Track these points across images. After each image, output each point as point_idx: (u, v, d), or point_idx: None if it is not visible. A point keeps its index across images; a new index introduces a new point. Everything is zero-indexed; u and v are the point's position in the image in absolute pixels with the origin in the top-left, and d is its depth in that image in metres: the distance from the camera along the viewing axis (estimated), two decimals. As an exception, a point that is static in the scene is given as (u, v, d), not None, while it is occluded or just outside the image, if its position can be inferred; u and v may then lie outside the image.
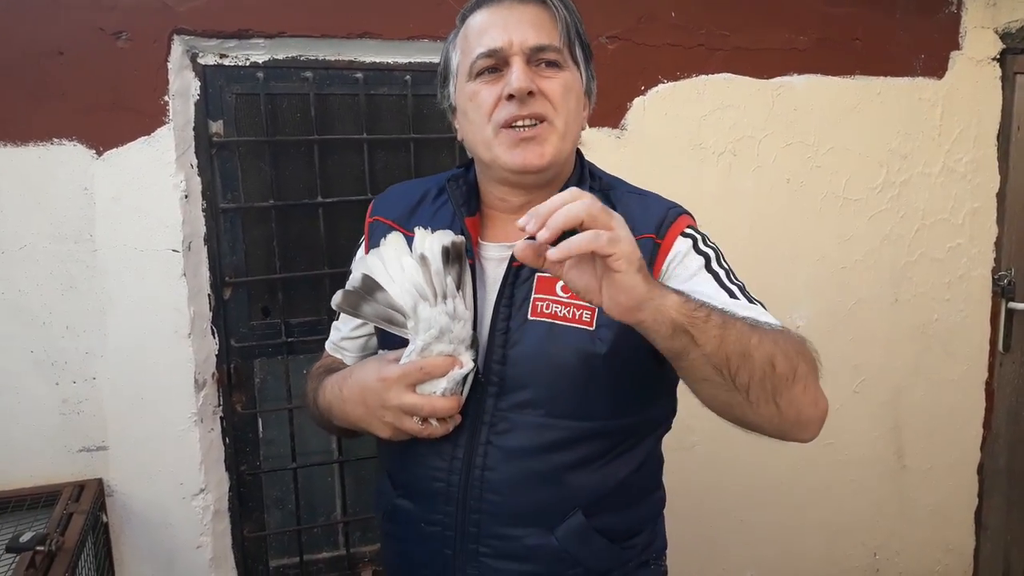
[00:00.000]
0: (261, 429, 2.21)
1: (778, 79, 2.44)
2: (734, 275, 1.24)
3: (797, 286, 2.56)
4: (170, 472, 2.03)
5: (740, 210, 2.45)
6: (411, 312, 1.18)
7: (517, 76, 1.18)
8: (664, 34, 2.31)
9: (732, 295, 1.18)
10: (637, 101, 2.31)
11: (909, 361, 2.73)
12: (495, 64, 1.22)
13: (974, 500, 2.92)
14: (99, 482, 1.96)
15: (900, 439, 2.77)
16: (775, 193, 2.49)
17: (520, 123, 1.20)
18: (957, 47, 2.60)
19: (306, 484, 2.26)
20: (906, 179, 2.61)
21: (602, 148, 2.24)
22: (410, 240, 1.25)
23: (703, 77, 2.37)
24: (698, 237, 1.26)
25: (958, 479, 2.88)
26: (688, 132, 2.37)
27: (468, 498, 1.25)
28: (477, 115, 1.24)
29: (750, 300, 1.19)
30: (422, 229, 1.25)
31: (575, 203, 0.93)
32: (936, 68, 2.59)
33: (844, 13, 2.47)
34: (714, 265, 1.23)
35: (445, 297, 1.18)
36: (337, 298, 1.22)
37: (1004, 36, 2.63)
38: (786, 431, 1.09)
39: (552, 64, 1.22)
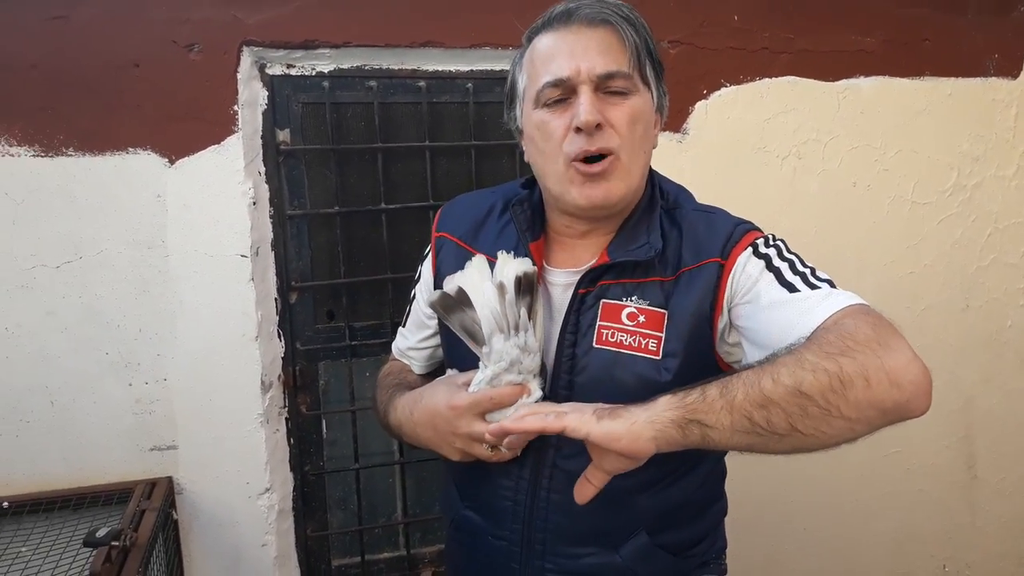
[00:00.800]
0: (325, 430, 2.25)
1: (844, 81, 2.40)
2: (800, 263, 1.19)
3: (864, 292, 2.42)
4: (237, 471, 2.08)
5: (805, 215, 2.42)
6: (487, 339, 1.18)
7: (586, 109, 1.15)
8: (726, 38, 2.29)
9: (792, 288, 1.13)
10: (699, 105, 2.30)
11: (981, 369, 2.66)
12: (562, 94, 1.19)
13: (1049, 512, 2.83)
14: (169, 480, 2.02)
15: (971, 448, 2.70)
16: (841, 197, 2.44)
17: (589, 158, 1.18)
18: (1033, 46, 2.52)
19: (368, 485, 2.29)
20: (978, 182, 2.55)
21: (664, 153, 2.23)
22: (492, 264, 1.24)
23: (766, 80, 2.34)
24: (759, 242, 1.23)
25: (1032, 491, 2.80)
26: (751, 136, 2.35)
27: (535, 518, 1.26)
28: (547, 145, 1.21)
29: (813, 286, 1.13)
30: (504, 254, 1.24)
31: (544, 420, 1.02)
32: (1010, 68, 2.52)
33: (913, 14, 2.42)
34: (775, 262, 1.19)
35: (518, 329, 1.17)
36: (435, 296, 1.23)
37: (1082, 34, 2.55)
38: (883, 423, 0.98)
39: (620, 92, 1.19)
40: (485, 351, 1.19)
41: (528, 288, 1.19)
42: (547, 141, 1.21)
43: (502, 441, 1.18)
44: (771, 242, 1.24)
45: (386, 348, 2.18)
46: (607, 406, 1.01)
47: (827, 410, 0.94)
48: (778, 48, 2.33)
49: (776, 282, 1.16)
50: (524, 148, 1.31)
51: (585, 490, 1.06)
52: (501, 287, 1.17)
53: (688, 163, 2.28)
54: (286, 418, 2.17)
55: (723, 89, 2.31)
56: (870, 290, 2.50)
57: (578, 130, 1.16)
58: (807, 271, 1.17)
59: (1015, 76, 2.53)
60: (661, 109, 1.30)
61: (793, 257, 1.20)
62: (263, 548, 2.13)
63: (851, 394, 0.94)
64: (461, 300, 1.20)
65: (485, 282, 1.20)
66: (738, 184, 2.33)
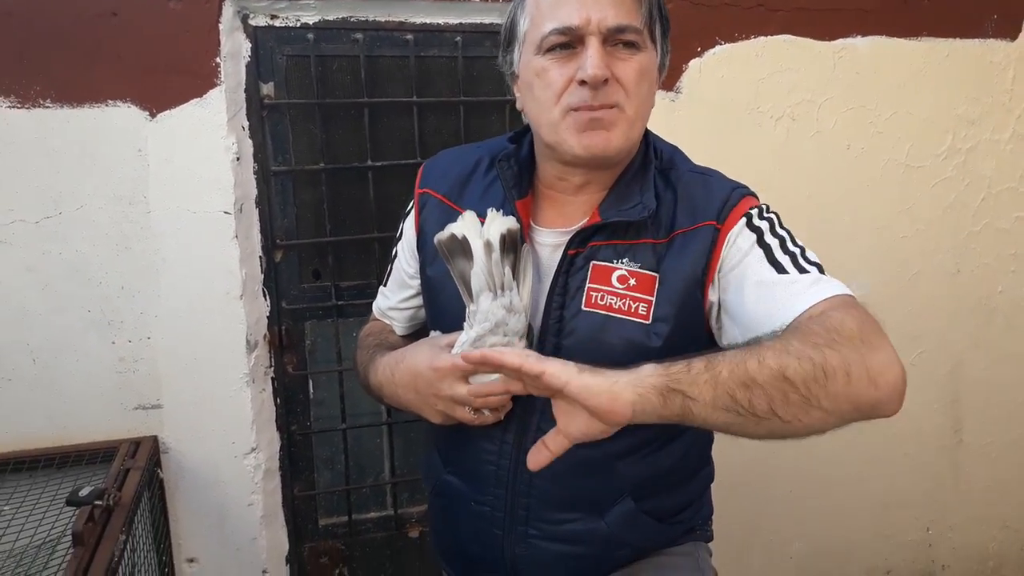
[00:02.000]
0: (311, 390, 2.23)
1: (840, 41, 2.36)
2: (791, 242, 1.17)
3: (856, 256, 2.49)
4: (223, 431, 2.07)
5: (798, 177, 2.39)
6: (475, 297, 1.16)
7: (594, 63, 1.10)
8: (723, -6, 2.25)
9: (781, 268, 1.12)
10: (693, 63, 2.25)
11: (970, 334, 2.65)
12: (568, 41, 1.13)
13: (1033, 477, 2.85)
14: (154, 439, 2.00)
15: (958, 413, 2.71)
16: (835, 160, 2.41)
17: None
18: (1032, 7, 2.48)
19: (355, 445, 2.29)
20: (973, 146, 2.52)
21: (656, 111, 2.12)
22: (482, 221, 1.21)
23: (762, 39, 2.29)
24: (754, 213, 1.20)
25: (1017, 455, 2.81)
26: (745, 96, 2.31)
27: (518, 483, 1.25)
28: (545, 94, 1.16)
29: (802, 269, 1.12)
30: (493, 212, 1.20)
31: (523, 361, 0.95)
32: (1009, 29, 2.48)
33: (913, -28, 2.37)
34: (767, 237, 1.17)
35: (503, 288, 1.15)
36: (443, 235, 1.19)
37: (1083, -5, 2.51)
38: (854, 419, 1.00)
39: (630, 45, 1.14)
40: (471, 309, 1.17)
41: (512, 246, 1.17)
42: (546, 90, 1.15)
43: (485, 405, 1.17)
44: (764, 213, 1.21)
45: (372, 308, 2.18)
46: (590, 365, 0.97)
47: (807, 399, 0.93)
48: (774, 5, 2.28)
49: (765, 259, 1.14)
50: (518, 94, 1.27)
51: (540, 456, 1.00)
52: (488, 245, 1.15)
53: (680, 122, 2.25)
54: (272, 378, 2.15)
55: (717, 47, 2.26)
56: (862, 254, 2.49)
57: (582, 83, 1.11)
58: (797, 251, 1.15)
59: (1013, 38, 2.49)
60: (662, 68, 1.25)
61: (784, 234, 1.18)
62: (249, 507, 2.13)
63: (831, 386, 0.94)
64: (465, 247, 1.17)
65: (475, 239, 1.17)
66: (731, 145, 2.29)
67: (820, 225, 2.43)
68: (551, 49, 1.14)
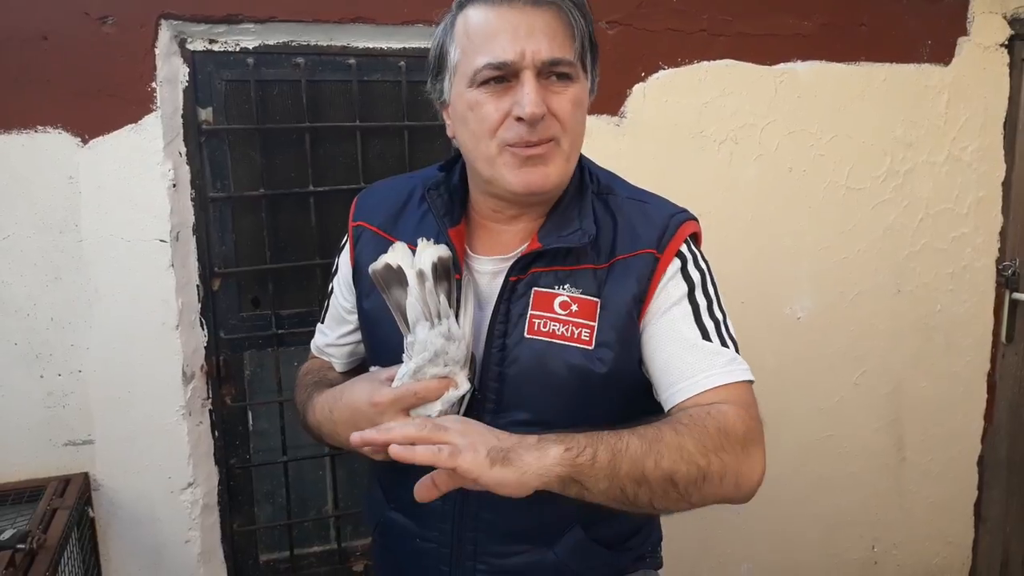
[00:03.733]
0: (251, 422, 2.18)
1: (781, 65, 2.39)
2: (717, 305, 1.20)
3: (798, 277, 2.52)
4: (158, 466, 2.00)
5: (741, 199, 2.41)
6: (412, 328, 1.14)
7: (531, 100, 1.08)
8: (665, 19, 2.26)
9: (705, 334, 1.16)
10: (637, 88, 2.26)
11: (911, 353, 2.70)
12: (502, 75, 1.11)
13: (974, 492, 2.90)
14: (85, 476, 1.93)
15: (900, 431, 2.74)
16: (777, 182, 2.44)
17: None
18: (964, 33, 2.54)
19: (297, 477, 2.24)
20: (911, 168, 2.57)
21: (601, 136, 2.19)
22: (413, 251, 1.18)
23: (705, 63, 2.31)
24: (689, 257, 1.21)
25: (958, 471, 2.86)
26: (689, 120, 2.32)
27: (464, 516, 1.22)
28: (480, 128, 1.13)
29: (723, 342, 1.17)
30: (423, 241, 1.18)
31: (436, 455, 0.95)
32: (943, 54, 2.54)
33: (850, -2, 2.42)
34: (698, 294, 1.19)
35: (440, 316, 1.13)
36: (378, 265, 1.16)
37: (1013, 22, 2.57)
38: (709, 504, 1.10)
39: (563, 76, 1.12)
40: (409, 340, 1.14)
41: (445, 274, 1.14)
42: (481, 124, 1.13)
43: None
44: (699, 261, 1.22)
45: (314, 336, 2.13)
46: (499, 444, 0.98)
47: (682, 496, 1.04)
48: (716, 30, 2.30)
49: (692, 318, 1.17)
50: (448, 122, 1.24)
51: (429, 492, 1.01)
52: (420, 274, 1.13)
53: (626, 147, 2.25)
54: (210, 410, 2.09)
55: (661, 72, 2.28)
56: (805, 276, 2.51)
57: (519, 119, 1.10)
58: (721, 318, 1.19)
59: (947, 63, 2.54)
60: (592, 91, 1.24)
61: (713, 295, 1.21)
62: (187, 544, 2.06)
63: (705, 488, 1.04)
64: (400, 277, 1.15)
65: (408, 269, 1.15)
66: (676, 169, 2.31)
67: (763, 247, 2.45)
68: (485, 83, 1.12)
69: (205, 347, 2.07)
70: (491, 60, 1.10)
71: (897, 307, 2.65)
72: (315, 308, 2.14)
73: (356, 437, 1.01)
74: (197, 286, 2.03)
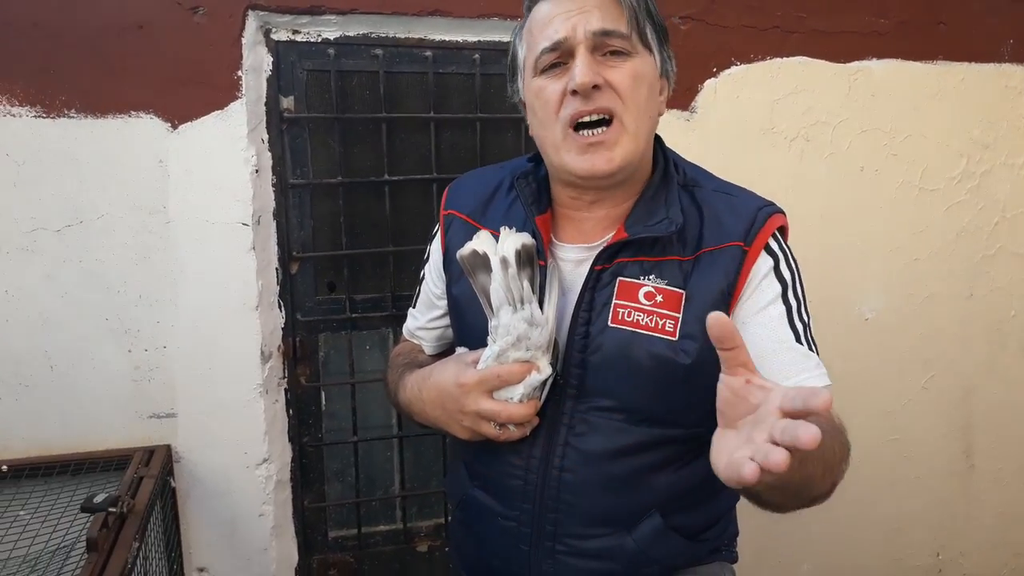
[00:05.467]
0: (324, 402, 2.24)
1: (856, 63, 2.37)
2: (804, 307, 1.21)
3: (868, 277, 2.50)
4: (235, 441, 2.08)
5: (811, 198, 2.39)
6: (496, 312, 1.17)
7: (581, 70, 1.12)
8: (738, 15, 2.26)
9: (797, 336, 1.17)
10: (708, 83, 2.27)
11: (983, 358, 2.65)
12: (560, 58, 1.16)
13: (1046, 503, 2.83)
14: (167, 448, 2.01)
15: (969, 438, 2.69)
16: (848, 181, 2.42)
17: (588, 127, 1.15)
18: (1048, 31, 2.49)
19: (366, 458, 2.29)
20: (987, 169, 2.52)
21: (671, 131, 2.20)
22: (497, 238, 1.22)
23: (777, 60, 2.31)
24: (780, 257, 1.22)
25: (1030, 481, 2.80)
26: (760, 116, 2.32)
27: (546, 497, 1.24)
28: (544, 112, 1.18)
29: (810, 345, 1.18)
30: (507, 229, 1.21)
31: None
32: (1025, 54, 2.50)
33: (928, -4, 2.39)
34: (790, 295, 1.20)
35: (523, 302, 1.16)
36: (465, 251, 1.20)
37: (1098, 21, 2.51)
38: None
39: (620, 53, 1.16)
40: (493, 324, 1.18)
41: (528, 260, 1.17)
42: (545, 107, 1.18)
43: (510, 420, 1.17)
44: (790, 260, 1.23)
45: (387, 321, 2.20)
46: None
47: (821, 495, 1.06)
48: (790, 27, 2.30)
49: (786, 320, 1.18)
50: (528, 121, 1.29)
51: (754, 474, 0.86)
52: (504, 261, 1.16)
53: (695, 142, 2.26)
54: (285, 389, 2.16)
55: (733, 67, 2.28)
56: (874, 275, 2.49)
57: (574, 93, 1.14)
58: (807, 320, 1.21)
59: (1029, 63, 2.50)
60: (667, 74, 1.26)
61: (801, 296, 1.22)
62: (260, 518, 2.13)
63: (822, 499, 1.07)
64: (485, 262, 1.19)
65: (493, 256, 1.18)
66: (745, 165, 2.30)
67: (833, 246, 2.44)
68: (546, 69, 1.17)
69: (282, 328, 2.14)
70: (547, 44, 1.16)
71: (969, 311, 2.60)
72: (387, 294, 2.20)
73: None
74: (276, 269, 2.10)
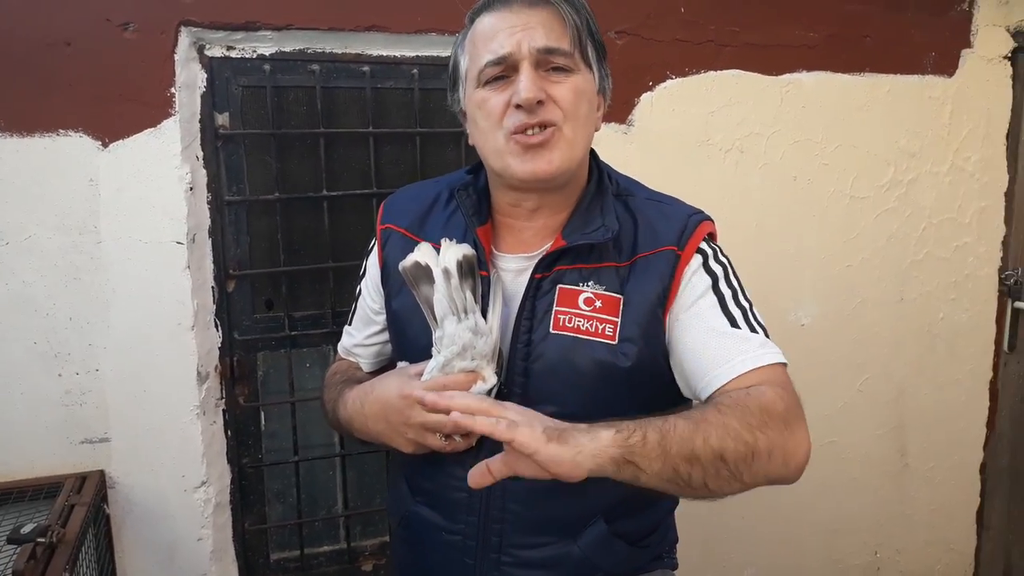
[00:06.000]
0: (263, 422, 2.20)
1: (787, 76, 2.42)
2: (742, 295, 1.24)
3: (802, 285, 2.55)
4: (172, 464, 2.03)
5: (746, 207, 2.44)
6: (440, 323, 1.18)
7: (525, 86, 1.15)
8: (673, 29, 2.29)
9: (733, 322, 1.19)
10: (645, 97, 2.30)
11: (914, 360, 2.72)
12: (504, 71, 1.18)
13: (976, 499, 2.92)
14: (101, 473, 1.95)
15: (903, 438, 2.77)
16: (782, 191, 2.47)
17: (530, 130, 1.17)
18: (968, 45, 2.58)
19: (308, 478, 2.26)
20: (914, 178, 2.60)
21: (609, 144, 2.23)
22: (438, 250, 1.24)
23: (712, 73, 2.35)
24: (710, 252, 1.26)
25: (961, 478, 2.88)
26: (696, 129, 2.36)
27: (491, 508, 1.25)
28: (487, 123, 1.20)
29: (752, 327, 1.20)
30: (447, 241, 1.23)
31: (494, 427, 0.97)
32: (947, 66, 2.58)
33: (856, 10, 2.45)
34: (722, 285, 1.23)
35: (467, 312, 1.17)
36: (407, 262, 1.22)
37: (1016, 34, 2.62)
38: (762, 485, 1.11)
39: (562, 69, 1.19)
40: (438, 335, 1.19)
41: (470, 271, 1.19)
42: (487, 118, 1.20)
43: (456, 430, 1.17)
44: (719, 256, 1.27)
45: (327, 338, 2.17)
46: (555, 425, 1.01)
47: (734, 475, 1.04)
48: (723, 41, 2.34)
49: (719, 308, 1.21)
50: (468, 130, 1.30)
51: (483, 479, 1.03)
52: (446, 272, 1.18)
53: (633, 155, 2.29)
54: (223, 410, 2.12)
55: (669, 81, 2.31)
56: (809, 283, 2.54)
57: (519, 107, 1.16)
58: (747, 306, 1.23)
59: (950, 74, 2.58)
60: (604, 91, 1.30)
61: (736, 285, 1.24)
62: (199, 542, 2.08)
63: (755, 466, 1.06)
64: (428, 273, 1.20)
65: (435, 267, 1.20)
66: (682, 177, 2.34)
67: (768, 254, 2.48)
68: (489, 81, 1.19)
69: (219, 348, 2.10)
70: (491, 57, 1.18)
71: (900, 315, 2.68)
72: (327, 310, 2.17)
73: (429, 396, 1.04)
74: (212, 288, 2.06)
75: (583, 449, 0.98)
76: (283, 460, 2.21)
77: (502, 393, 1.21)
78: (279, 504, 2.26)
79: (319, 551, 2.30)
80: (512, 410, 1.01)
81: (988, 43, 2.60)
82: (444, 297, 1.17)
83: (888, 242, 2.61)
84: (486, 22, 1.21)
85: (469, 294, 1.18)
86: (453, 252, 1.20)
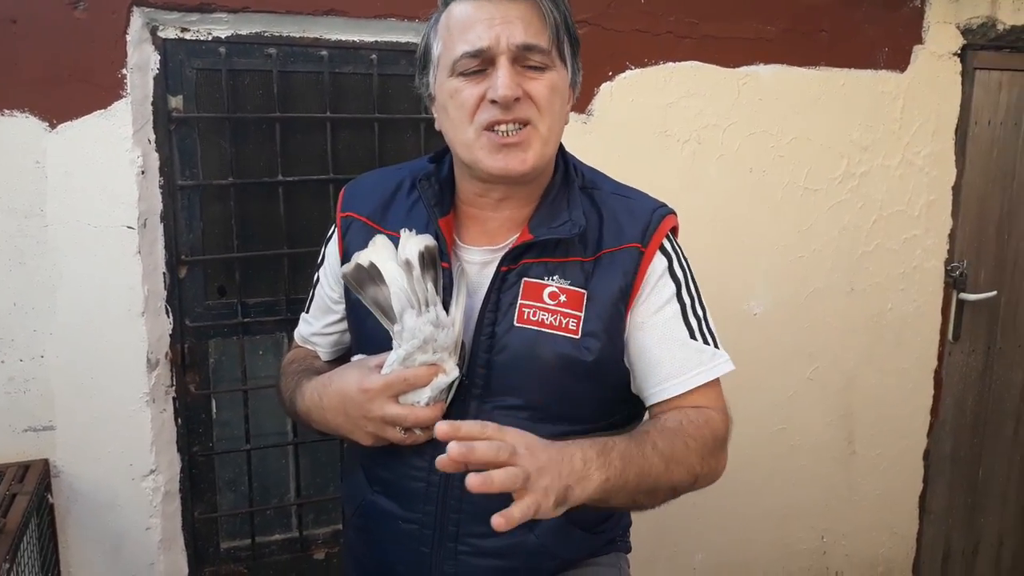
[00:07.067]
0: (215, 410, 2.17)
1: (744, 68, 2.44)
2: (699, 302, 1.29)
3: (756, 275, 2.58)
4: (120, 453, 1.99)
5: (703, 198, 2.46)
6: (399, 317, 1.17)
7: (503, 83, 1.14)
8: (633, 20, 2.29)
9: (691, 333, 1.26)
10: (604, 87, 2.29)
11: (862, 350, 2.77)
12: (480, 65, 1.16)
13: (919, 485, 2.99)
14: (45, 462, 1.91)
15: (851, 425, 2.82)
16: (738, 182, 2.49)
17: (503, 128, 1.16)
18: (920, 41, 2.62)
19: (260, 466, 2.23)
20: (866, 171, 2.64)
21: (569, 133, 2.14)
22: (395, 241, 1.23)
23: (670, 64, 2.35)
24: (673, 256, 1.29)
25: (905, 465, 2.95)
26: (654, 119, 2.36)
27: (448, 498, 1.24)
28: (459, 114, 1.19)
29: (705, 339, 1.27)
30: (407, 232, 1.22)
31: (498, 453, 0.96)
32: (899, 61, 2.61)
33: (812, 4, 2.47)
34: (683, 293, 1.27)
35: (427, 304, 1.16)
36: (348, 268, 1.21)
37: (965, 32, 2.66)
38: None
39: (538, 67, 1.18)
40: (397, 329, 1.17)
41: (431, 262, 1.19)
42: (459, 109, 1.19)
43: (416, 424, 1.17)
44: (682, 259, 1.30)
45: (280, 326, 2.15)
46: (563, 480, 1.01)
47: (671, 497, 1.19)
48: (682, 32, 2.34)
49: (680, 318, 1.26)
50: (435, 116, 1.29)
51: (509, 524, 0.98)
52: (407, 264, 1.17)
53: (592, 144, 2.28)
54: (173, 397, 2.08)
55: (628, 71, 2.31)
56: (763, 272, 2.57)
57: (494, 102, 1.15)
58: (702, 314, 1.30)
59: (903, 70, 2.62)
60: (574, 85, 1.30)
61: (695, 292, 1.30)
62: (147, 532, 2.05)
63: (691, 487, 1.20)
64: (373, 274, 1.18)
65: (390, 261, 1.19)
66: (640, 167, 2.34)
67: (723, 245, 2.51)
68: (464, 72, 1.18)
69: (170, 335, 2.06)
70: (468, 48, 1.16)
71: (850, 305, 2.72)
72: (281, 297, 2.14)
73: (450, 444, 0.95)
74: (163, 273, 2.02)
75: (575, 502, 1.03)
76: (235, 448, 2.18)
77: (463, 385, 1.21)
78: (230, 492, 2.23)
79: (271, 539, 2.28)
80: (526, 459, 0.98)
81: (939, 39, 2.63)
82: (402, 291, 1.16)
83: (840, 233, 2.65)
84: (464, 9, 1.18)
85: (431, 285, 1.17)
86: (414, 243, 1.19)
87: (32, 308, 1.88)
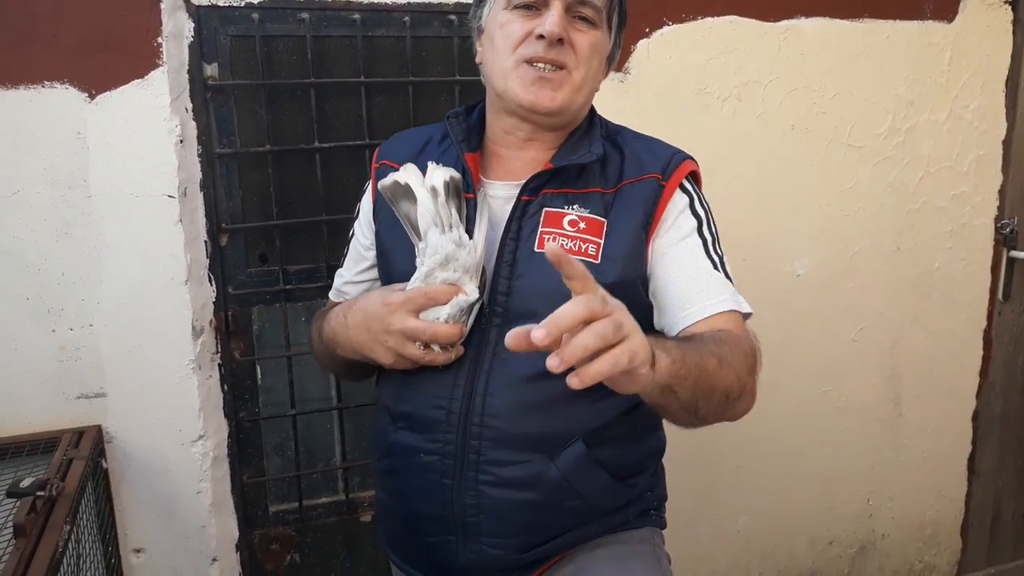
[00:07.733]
0: (260, 376, 2.20)
1: (785, 22, 2.38)
2: (718, 243, 1.31)
3: (799, 234, 2.54)
4: (169, 419, 2.03)
5: (744, 156, 2.41)
6: (423, 235, 1.21)
7: (553, 20, 1.20)
8: (670, -26, 2.25)
9: (715, 265, 1.27)
10: (642, 44, 2.26)
11: (909, 310, 2.72)
12: (535, 2, 1.23)
13: (968, 447, 2.95)
14: (98, 428, 1.95)
15: (898, 387, 2.78)
16: (779, 139, 2.45)
17: (541, 64, 1.23)
18: (968, -11, 2.54)
19: (305, 430, 2.26)
20: (912, 126, 2.57)
21: (606, 93, 2.15)
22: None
23: (708, 19, 2.31)
24: (695, 196, 1.32)
25: (953, 427, 2.90)
26: (692, 76, 2.32)
27: (469, 424, 1.25)
28: (504, 44, 1.26)
29: (726, 275, 1.28)
30: (433, 164, 1.27)
31: (593, 334, 0.85)
32: (946, 11, 2.53)
33: (855, -47, 2.40)
34: (704, 230, 1.29)
35: (451, 226, 1.21)
36: (386, 182, 1.26)
37: (1017, -21, 2.57)
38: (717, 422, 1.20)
39: (588, 21, 1.25)
40: (421, 247, 1.22)
41: (456, 192, 1.24)
42: (506, 40, 1.25)
43: (435, 338, 1.20)
44: (702, 202, 1.33)
45: (322, 292, 2.16)
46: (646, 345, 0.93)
47: (723, 409, 1.16)
48: (721, -14, 2.30)
49: (703, 250, 1.28)
50: (479, 48, 1.36)
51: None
52: (433, 190, 1.22)
53: (630, 103, 2.25)
54: (219, 364, 2.11)
55: (665, 28, 2.27)
56: (805, 233, 2.53)
57: (540, 37, 1.21)
58: (722, 254, 1.31)
59: (950, 20, 2.54)
60: (612, 59, 1.37)
61: (715, 234, 1.32)
62: (198, 495, 2.09)
63: (739, 403, 1.18)
64: (408, 192, 1.23)
65: (419, 186, 1.24)
66: (678, 126, 2.30)
67: (765, 204, 2.46)
68: (518, 7, 1.24)
69: (214, 302, 2.08)
70: None
71: (896, 264, 2.67)
72: (322, 264, 2.15)
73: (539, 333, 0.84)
74: (205, 242, 2.04)
75: (659, 370, 0.99)
76: (280, 413, 2.21)
77: (484, 313, 1.25)
78: (277, 457, 2.27)
79: (318, 502, 2.31)
80: (621, 311, 0.90)
81: (989, -13, 2.55)
82: (428, 211, 1.21)
83: (885, 191, 2.60)
84: None
85: (454, 211, 1.22)
86: (440, 173, 1.25)
87: (80, 278, 1.92)
